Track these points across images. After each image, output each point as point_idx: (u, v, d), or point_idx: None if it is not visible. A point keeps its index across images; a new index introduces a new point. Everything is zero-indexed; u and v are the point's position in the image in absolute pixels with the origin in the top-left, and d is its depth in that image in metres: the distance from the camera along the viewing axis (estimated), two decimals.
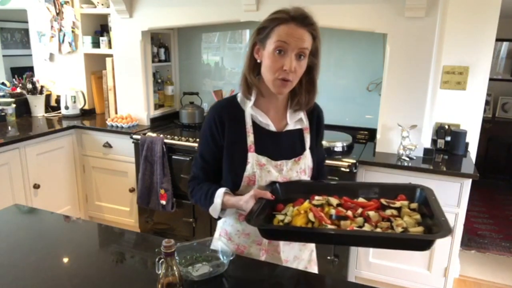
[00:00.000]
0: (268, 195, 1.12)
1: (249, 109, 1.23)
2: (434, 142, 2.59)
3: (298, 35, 1.10)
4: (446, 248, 2.31)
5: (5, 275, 1.16)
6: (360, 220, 1.07)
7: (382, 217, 1.08)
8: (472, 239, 3.35)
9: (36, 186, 2.84)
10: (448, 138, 2.56)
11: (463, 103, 2.59)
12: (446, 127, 2.59)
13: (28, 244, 1.34)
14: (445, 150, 2.57)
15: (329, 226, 1.04)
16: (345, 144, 2.54)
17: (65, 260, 1.28)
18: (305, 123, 1.30)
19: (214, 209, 1.22)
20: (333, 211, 1.09)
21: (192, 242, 1.25)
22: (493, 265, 2.95)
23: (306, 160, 1.28)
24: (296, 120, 1.28)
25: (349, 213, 1.09)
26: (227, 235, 1.34)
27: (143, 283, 1.14)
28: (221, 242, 1.26)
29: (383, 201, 1.15)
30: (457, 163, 2.41)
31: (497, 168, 4.69)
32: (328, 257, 2.47)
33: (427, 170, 2.25)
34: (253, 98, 1.23)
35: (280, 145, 1.26)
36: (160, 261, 0.98)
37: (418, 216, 1.08)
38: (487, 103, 3.73)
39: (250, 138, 1.23)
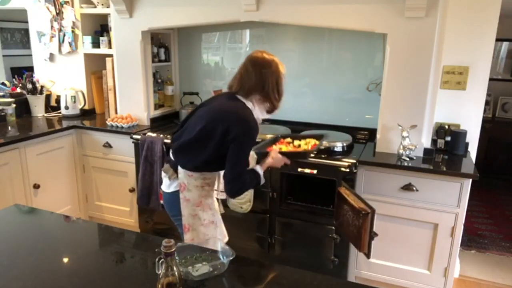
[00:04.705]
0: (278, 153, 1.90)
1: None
2: (434, 142, 2.59)
3: None
4: (446, 248, 2.31)
5: (5, 275, 1.16)
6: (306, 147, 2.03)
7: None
8: (472, 239, 3.35)
9: (36, 186, 2.84)
10: (448, 138, 2.56)
11: (463, 103, 2.58)
12: (446, 127, 2.59)
13: (28, 244, 1.34)
14: (445, 150, 2.57)
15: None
16: (345, 144, 2.55)
17: (65, 260, 1.28)
18: None
19: (261, 177, 1.82)
20: (291, 147, 2.03)
21: (192, 242, 1.25)
22: (493, 265, 2.95)
23: None
24: None
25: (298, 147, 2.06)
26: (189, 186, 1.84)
27: (143, 283, 1.14)
28: (221, 242, 1.26)
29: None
30: (457, 163, 2.41)
31: (497, 168, 4.69)
32: (328, 257, 2.48)
33: (427, 170, 2.25)
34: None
35: None
36: (160, 261, 0.98)
37: None
38: (487, 103, 3.73)
39: None
